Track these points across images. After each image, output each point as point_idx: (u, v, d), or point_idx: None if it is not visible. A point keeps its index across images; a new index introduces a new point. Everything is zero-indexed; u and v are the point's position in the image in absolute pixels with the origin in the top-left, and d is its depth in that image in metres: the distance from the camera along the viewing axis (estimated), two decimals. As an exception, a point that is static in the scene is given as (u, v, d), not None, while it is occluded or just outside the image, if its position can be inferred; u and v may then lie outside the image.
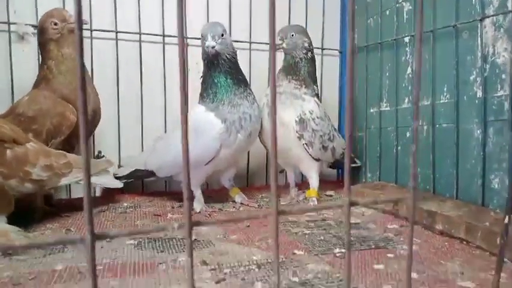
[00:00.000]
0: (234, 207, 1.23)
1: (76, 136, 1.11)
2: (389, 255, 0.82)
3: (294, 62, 1.24)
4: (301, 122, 1.19)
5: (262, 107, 1.24)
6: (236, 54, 1.15)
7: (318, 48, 1.57)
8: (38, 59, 1.23)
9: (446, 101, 1.13)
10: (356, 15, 1.51)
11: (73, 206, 1.17)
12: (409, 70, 1.28)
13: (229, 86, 1.13)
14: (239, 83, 1.14)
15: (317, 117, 1.22)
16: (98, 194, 1.34)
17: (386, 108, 1.37)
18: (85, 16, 1.23)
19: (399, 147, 1.31)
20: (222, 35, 1.10)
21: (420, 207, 1.02)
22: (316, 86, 1.29)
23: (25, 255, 0.81)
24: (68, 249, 0.83)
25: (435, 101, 1.17)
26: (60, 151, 1.02)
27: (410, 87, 1.27)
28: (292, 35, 1.24)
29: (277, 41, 1.24)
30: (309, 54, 1.26)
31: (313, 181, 1.25)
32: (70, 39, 1.10)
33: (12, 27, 1.22)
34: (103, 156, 1.34)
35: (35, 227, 0.99)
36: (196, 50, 1.33)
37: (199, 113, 1.14)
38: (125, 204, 1.22)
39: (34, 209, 1.06)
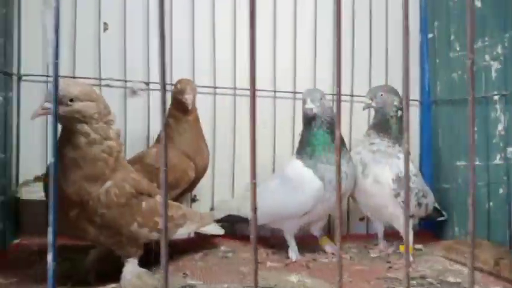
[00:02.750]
0: (326, 258, 1.27)
1: (188, 190, 1.22)
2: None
3: (384, 120, 1.29)
4: (398, 180, 1.22)
5: (356, 165, 1.27)
6: (333, 116, 1.20)
7: (398, 99, 1.62)
8: (148, 113, 1.37)
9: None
10: (440, 68, 1.55)
11: (176, 247, 1.25)
12: (500, 127, 1.29)
13: (327, 144, 1.19)
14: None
15: (413, 176, 1.25)
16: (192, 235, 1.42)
17: (476, 163, 1.38)
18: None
19: (491, 203, 1.30)
20: (320, 99, 1.19)
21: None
22: None
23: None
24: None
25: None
26: (176, 203, 1.12)
27: (501, 144, 1.28)
28: (381, 95, 1.31)
29: (367, 100, 1.31)
30: (399, 112, 1.30)
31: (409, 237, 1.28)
32: (183, 106, 1.21)
33: (128, 84, 1.37)
34: (198, 199, 1.45)
35: (154, 270, 1.07)
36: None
37: (297, 168, 1.21)
38: (222, 248, 1.29)
39: (149, 250, 1.15)
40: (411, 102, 1.64)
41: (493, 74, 1.32)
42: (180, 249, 1.24)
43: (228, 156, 1.48)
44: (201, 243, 1.32)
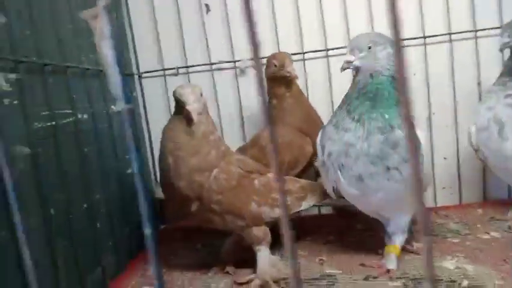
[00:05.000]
0: (486, 232, 1.06)
1: (309, 165, 1.13)
2: None
3: None
4: None
5: (488, 124, 1.01)
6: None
7: None
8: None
9: None
10: None
11: (305, 225, 1.20)
12: None
13: (355, 100, 0.86)
14: (366, 100, 0.84)
15: None
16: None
17: None
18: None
19: None
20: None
21: None
22: None
23: None
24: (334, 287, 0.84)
25: None
26: (291, 177, 1.06)
27: None
28: None
29: (506, 39, 1.00)
30: None
31: None
32: (283, 81, 1.12)
33: (237, 64, 1.32)
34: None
35: (287, 255, 1.04)
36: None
37: None
38: (358, 226, 1.19)
39: (277, 235, 1.13)
40: None
41: None
42: (310, 227, 1.18)
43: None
44: (333, 219, 1.24)
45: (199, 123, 0.87)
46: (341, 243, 1.07)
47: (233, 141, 1.27)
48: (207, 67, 1.32)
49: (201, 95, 0.90)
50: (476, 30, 1.24)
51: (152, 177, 1.35)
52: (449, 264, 0.88)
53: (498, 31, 1.14)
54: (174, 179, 0.87)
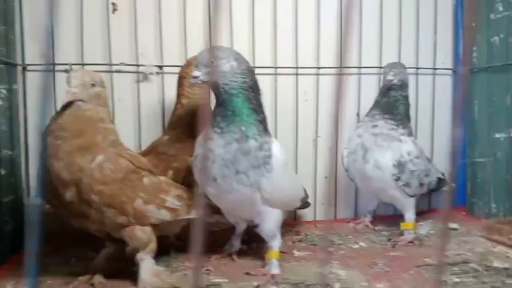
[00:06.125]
0: (355, 242, 1.20)
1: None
2: None
3: (394, 100, 1.23)
4: (400, 165, 1.18)
5: (356, 149, 1.23)
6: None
7: (429, 68, 1.50)
8: (163, 97, 1.30)
9: None
10: (477, 33, 1.41)
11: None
12: (546, 95, 1.17)
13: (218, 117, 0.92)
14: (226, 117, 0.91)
15: (415, 158, 1.20)
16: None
17: (516, 134, 1.27)
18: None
19: (535, 178, 1.20)
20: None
21: None
22: (410, 124, 1.27)
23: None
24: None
25: None
26: (184, 186, 1.04)
27: (547, 113, 1.16)
28: (402, 71, 1.24)
29: (389, 77, 1.22)
30: (408, 91, 1.26)
31: (410, 215, 1.23)
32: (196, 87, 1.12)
33: (140, 68, 1.29)
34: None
35: (175, 266, 1.02)
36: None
37: None
38: (246, 237, 1.24)
39: (169, 245, 1.10)
40: (443, 71, 1.52)
41: (538, 36, 1.19)
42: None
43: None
44: (222, 232, 1.27)
45: (83, 109, 0.85)
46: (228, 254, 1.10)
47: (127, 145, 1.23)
48: (106, 67, 1.26)
49: (93, 85, 0.87)
50: (360, 67, 1.43)
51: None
52: (325, 270, 0.98)
53: (378, 70, 1.37)
54: (52, 160, 0.81)
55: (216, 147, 0.90)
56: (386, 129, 1.20)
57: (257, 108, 0.94)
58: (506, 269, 0.97)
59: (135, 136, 1.30)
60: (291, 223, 1.39)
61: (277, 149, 0.95)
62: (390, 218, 1.38)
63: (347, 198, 1.48)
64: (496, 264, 1.00)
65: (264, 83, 1.35)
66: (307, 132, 1.42)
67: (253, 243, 1.16)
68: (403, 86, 1.24)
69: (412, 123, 1.32)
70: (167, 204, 0.93)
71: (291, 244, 1.19)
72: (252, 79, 0.94)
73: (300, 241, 1.22)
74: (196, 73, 0.91)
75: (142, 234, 0.89)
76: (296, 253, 1.11)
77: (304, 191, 1.23)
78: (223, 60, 0.91)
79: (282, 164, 0.96)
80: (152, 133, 1.28)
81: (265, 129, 0.96)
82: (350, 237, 1.24)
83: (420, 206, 1.32)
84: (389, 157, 1.18)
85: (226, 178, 0.90)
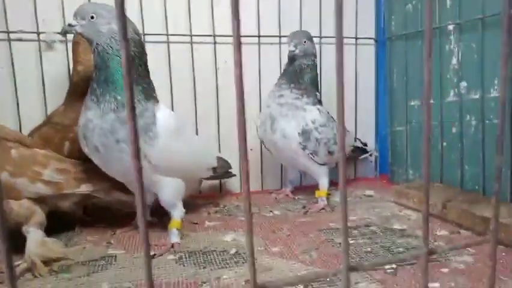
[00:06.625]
0: (270, 211, 1.20)
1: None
2: (442, 270, 0.77)
3: (300, 69, 1.22)
4: (304, 133, 1.18)
5: (265, 119, 1.23)
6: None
7: (352, 37, 1.49)
8: (68, 66, 1.22)
9: (497, 95, 1.04)
10: (395, 1, 1.41)
11: (111, 213, 1.16)
12: (454, 61, 1.19)
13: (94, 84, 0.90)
14: (102, 84, 0.88)
15: (320, 126, 1.20)
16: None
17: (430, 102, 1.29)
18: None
19: (444, 143, 1.23)
20: None
21: (472, 212, 0.96)
22: (319, 93, 1.27)
23: (69, 273, 0.81)
24: (112, 266, 0.83)
25: (485, 94, 1.08)
26: (76, 160, 1.00)
27: (455, 79, 1.18)
28: (305, 42, 1.23)
29: (291, 48, 1.20)
30: (315, 60, 1.26)
31: (323, 183, 1.25)
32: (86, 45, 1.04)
33: (41, 36, 1.21)
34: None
35: (76, 240, 0.99)
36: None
37: None
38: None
39: (75, 220, 1.07)
40: (366, 40, 1.52)
41: (448, 2, 1.20)
42: (112, 213, 1.16)
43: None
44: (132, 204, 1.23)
45: None
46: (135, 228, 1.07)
47: (32, 118, 1.17)
48: (3, 35, 1.17)
49: None
50: (260, 36, 1.40)
51: None
52: (228, 237, 0.97)
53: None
54: None
55: (93, 116, 0.88)
56: (291, 98, 1.20)
57: (138, 74, 0.90)
58: (402, 230, 0.99)
59: (41, 108, 1.22)
60: (214, 195, 1.38)
61: (163, 116, 0.92)
62: (313, 188, 1.38)
63: (274, 170, 1.47)
64: (396, 226, 1.02)
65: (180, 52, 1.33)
66: (230, 103, 1.39)
67: (165, 216, 1.14)
68: (306, 55, 1.22)
69: (333, 93, 1.31)
70: (45, 177, 0.89)
71: (206, 215, 1.17)
72: (134, 48, 0.89)
73: (216, 212, 1.20)
74: (72, 21, 0.88)
75: (19, 208, 0.85)
76: (207, 223, 1.10)
77: (221, 160, 1.21)
78: (103, 20, 0.86)
79: (171, 132, 0.93)
80: (59, 104, 1.21)
81: (149, 96, 0.92)
82: (267, 206, 1.24)
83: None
84: (293, 126, 1.18)
85: (107, 148, 0.88)
